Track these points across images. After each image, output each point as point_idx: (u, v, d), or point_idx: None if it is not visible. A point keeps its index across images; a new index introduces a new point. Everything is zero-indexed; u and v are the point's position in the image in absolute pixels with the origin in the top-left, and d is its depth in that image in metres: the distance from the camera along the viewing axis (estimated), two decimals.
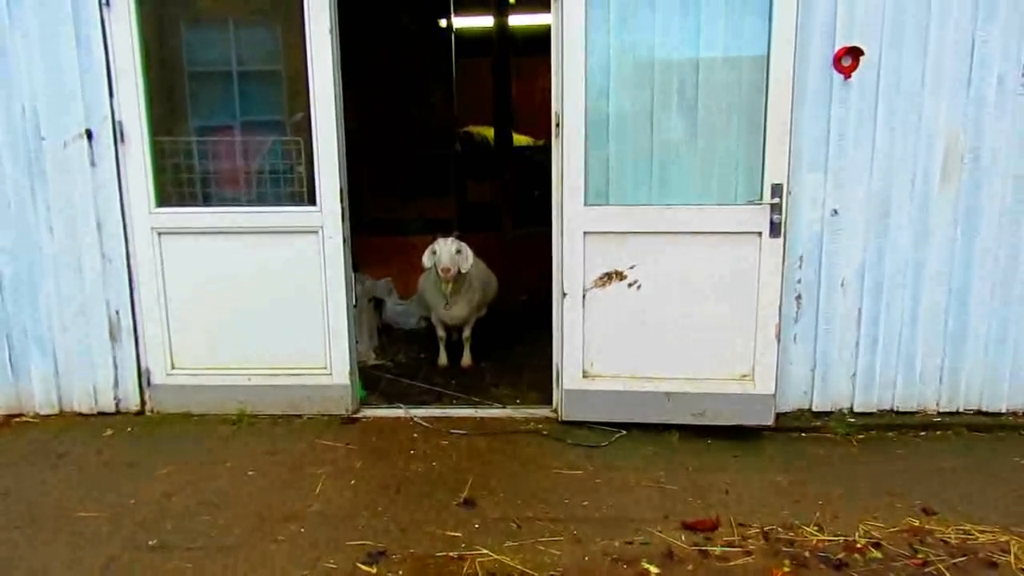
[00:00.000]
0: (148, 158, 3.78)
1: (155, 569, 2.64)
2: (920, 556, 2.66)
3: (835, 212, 3.63)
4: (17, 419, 3.99)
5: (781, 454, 3.51)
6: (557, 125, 3.58)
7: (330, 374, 3.94)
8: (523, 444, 3.62)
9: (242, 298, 3.91)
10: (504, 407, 4.06)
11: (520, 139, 9.54)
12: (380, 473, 3.34)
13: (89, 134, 3.74)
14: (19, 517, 3.01)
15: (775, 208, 3.46)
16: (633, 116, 3.57)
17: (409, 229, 6.83)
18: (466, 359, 4.87)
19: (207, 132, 3.99)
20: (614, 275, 3.65)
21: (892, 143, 3.57)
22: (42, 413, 4.01)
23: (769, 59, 3.39)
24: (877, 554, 2.68)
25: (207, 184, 3.98)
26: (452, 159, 9.02)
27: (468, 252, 4.53)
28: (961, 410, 3.81)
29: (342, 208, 3.78)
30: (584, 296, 3.68)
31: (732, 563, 2.64)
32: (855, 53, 3.46)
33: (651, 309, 3.65)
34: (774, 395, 3.63)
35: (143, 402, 4.01)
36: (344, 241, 3.82)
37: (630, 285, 3.65)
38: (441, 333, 4.90)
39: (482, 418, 3.93)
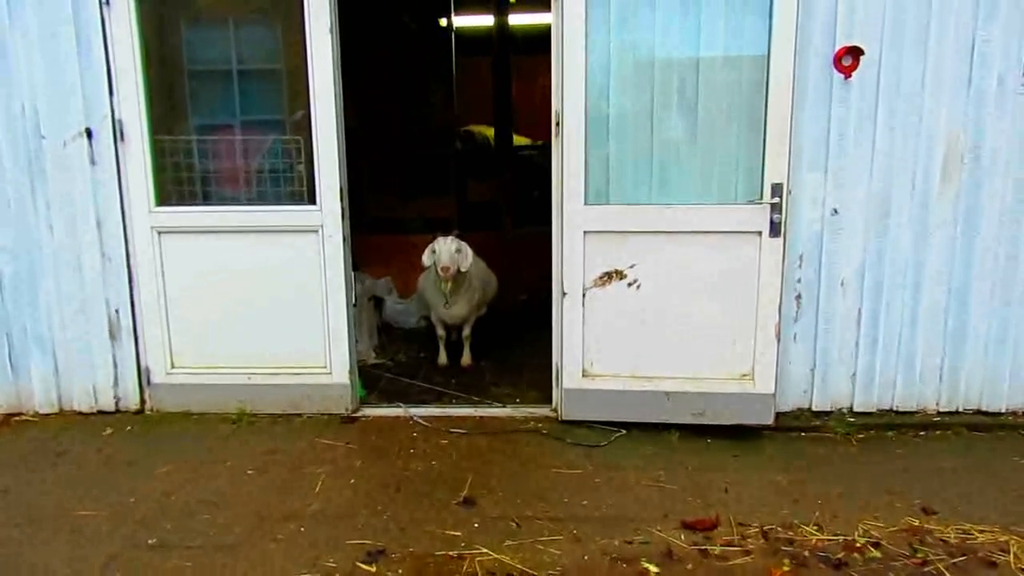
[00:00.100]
0: (148, 157, 3.78)
1: (155, 568, 2.64)
2: (919, 555, 2.66)
3: (835, 212, 3.63)
4: (17, 418, 3.99)
5: (781, 453, 3.51)
6: (557, 124, 3.58)
7: (330, 373, 3.94)
8: (523, 443, 3.62)
9: (242, 297, 3.91)
10: (504, 406, 4.06)
11: (518, 140, 9.54)
12: (380, 472, 3.34)
13: (89, 133, 3.74)
14: (19, 516, 3.01)
15: (775, 208, 3.46)
16: (633, 115, 3.57)
17: (409, 228, 6.84)
18: (466, 358, 4.87)
19: (207, 131, 3.99)
20: (614, 274, 3.65)
21: (892, 143, 3.57)
22: (42, 412, 4.02)
23: (769, 58, 3.39)
24: (876, 553, 2.68)
25: (207, 183, 3.98)
26: (452, 158, 9.02)
27: (468, 251, 4.53)
28: (961, 410, 3.81)
29: (342, 207, 3.78)
30: (584, 295, 3.68)
31: (731, 562, 2.64)
32: (855, 53, 3.46)
33: (651, 308, 3.65)
34: (774, 394, 3.63)
35: (143, 401, 4.01)
36: (344, 240, 3.82)
37: (630, 284, 3.65)
38: (441, 332, 4.90)
39: (482, 417, 3.93)
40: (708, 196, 3.58)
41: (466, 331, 4.89)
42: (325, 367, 3.94)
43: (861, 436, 3.67)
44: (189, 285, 3.91)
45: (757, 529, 2.84)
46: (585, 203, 3.59)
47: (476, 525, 2.89)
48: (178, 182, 3.93)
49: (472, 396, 4.24)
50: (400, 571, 2.60)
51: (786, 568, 2.59)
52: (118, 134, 3.74)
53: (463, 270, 4.50)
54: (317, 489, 3.18)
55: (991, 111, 3.52)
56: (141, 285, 3.90)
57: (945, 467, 3.35)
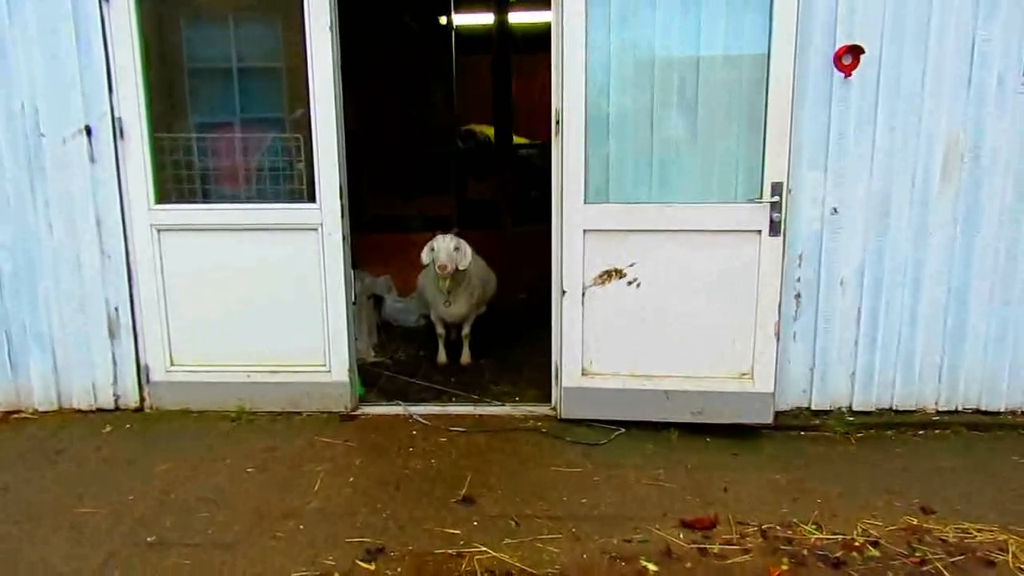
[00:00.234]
0: (147, 155, 3.78)
1: (154, 565, 2.64)
2: (918, 555, 2.66)
3: (835, 211, 3.63)
4: (16, 415, 3.99)
5: (780, 452, 3.51)
6: (557, 123, 3.57)
7: (329, 371, 3.94)
8: (522, 442, 3.62)
9: (241, 295, 3.91)
10: (503, 405, 4.06)
11: (517, 140, 9.53)
12: (379, 470, 3.34)
13: (88, 130, 3.74)
14: (18, 513, 3.01)
15: (775, 206, 3.46)
16: (633, 114, 3.57)
17: (409, 226, 6.84)
18: (465, 357, 4.87)
19: (207, 129, 3.99)
20: (613, 273, 3.65)
21: (892, 142, 3.57)
22: (41, 409, 4.01)
23: (769, 57, 3.38)
24: (875, 552, 2.68)
25: (206, 181, 3.98)
26: (452, 157, 9.02)
27: (466, 249, 4.53)
28: (960, 409, 3.81)
29: (342, 205, 3.78)
30: (583, 294, 3.67)
31: (730, 561, 2.64)
32: (855, 51, 3.45)
33: (650, 307, 3.65)
34: (773, 393, 3.63)
35: (142, 399, 4.01)
36: (344, 238, 3.82)
37: (629, 283, 3.65)
38: (440, 331, 4.90)
39: (481, 415, 3.93)
40: (708, 195, 3.58)
41: (465, 329, 4.89)
42: (324, 365, 3.94)
43: (860, 435, 3.67)
44: (188, 283, 3.90)
45: (756, 528, 2.84)
46: (585, 202, 3.59)
47: (475, 523, 2.89)
48: (178, 180, 3.93)
49: (471, 394, 4.24)
50: (399, 569, 2.60)
51: (785, 567, 2.59)
52: (118, 132, 3.74)
53: (461, 268, 4.50)
54: (316, 487, 3.18)
55: (991, 110, 3.52)
56: (140, 283, 3.90)
57: (944, 466, 3.36)
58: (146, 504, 3.06)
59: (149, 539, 2.81)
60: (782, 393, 3.75)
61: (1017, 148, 3.55)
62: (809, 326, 3.75)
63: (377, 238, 6.19)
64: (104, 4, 3.62)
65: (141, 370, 3.98)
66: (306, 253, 3.84)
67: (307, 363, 3.94)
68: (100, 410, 4.00)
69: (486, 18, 8.86)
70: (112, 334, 3.94)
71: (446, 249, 4.40)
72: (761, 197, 3.47)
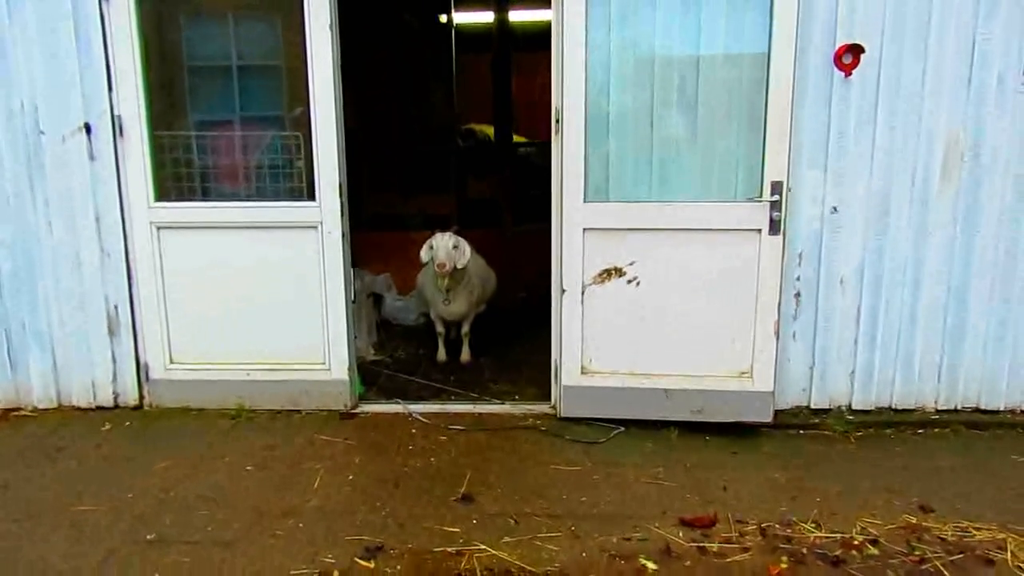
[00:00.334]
0: (147, 153, 3.78)
1: (153, 563, 2.64)
2: (917, 553, 2.66)
3: (835, 210, 3.63)
4: (15, 413, 3.99)
5: (779, 451, 3.51)
6: (557, 121, 3.57)
7: (329, 369, 3.94)
8: (521, 440, 3.63)
9: (241, 293, 3.91)
10: (503, 403, 4.06)
11: (517, 139, 9.52)
12: (378, 468, 3.34)
13: (88, 128, 3.74)
14: (17, 511, 3.01)
15: (775, 205, 3.46)
16: (633, 113, 3.57)
17: (409, 225, 6.82)
18: (465, 355, 4.87)
19: (206, 127, 3.99)
20: (613, 271, 3.65)
21: (892, 141, 3.57)
22: (40, 407, 4.01)
23: (770, 56, 3.38)
24: (874, 551, 2.68)
25: (206, 179, 3.98)
26: (452, 155, 9.01)
27: (465, 247, 4.53)
28: (959, 408, 3.81)
29: (341, 203, 3.78)
30: (583, 292, 3.67)
31: (729, 559, 2.64)
32: (856, 51, 3.45)
33: (650, 306, 3.65)
34: (773, 392, 3.64)
35: (142, 396, 4.01)
36: (343, 236, 3.82)
37: (629, 282, 3.65)
38: (440, 329, 4.90)
39: (480, 414, 3.93)
40: (708, 194, 3.58)
41: (465, 328, 4.89)
42: (324, 363, 3.94)
43: (860, 434, 3.68)
44: (188, 281, 3.90)
45: (755, 526, 2.85)
46: (585, 200, 3.59)
47: (474, 521, 2.89)
48: (177, 178, 3.93)
49: (471, 393, 4.24)
50: (398, 567, 2.60)
51: (784, 565, 2.59)
52: (117, 130, 3.74)
53: (460, 266, 4.50)
54: (316, 485, 3.18)
55: (991, 110, 3.52)
56: (140, 281, 3.90)
57: (943, 465, 3.36)
58: (146, 502, 3.06)
59: (148, 537, 2.81)
60: (781, 392, 3.75)
61: (1017, 148, 3.55)
62: (809, 325, 3.75)
63: (377, 236, 6.17)
64: (104, 3, 3.62)
65: (141, 368, 3.98)
66: (306, 251, 3.84)
67: (307, 361, 3.94)
68: (100, 408, 4.00)
69: (486, 16, 8.85)
70: (112, 332, 3.94)
71: (445, 247, 4.40)
72: (761, 196, 3.47)
